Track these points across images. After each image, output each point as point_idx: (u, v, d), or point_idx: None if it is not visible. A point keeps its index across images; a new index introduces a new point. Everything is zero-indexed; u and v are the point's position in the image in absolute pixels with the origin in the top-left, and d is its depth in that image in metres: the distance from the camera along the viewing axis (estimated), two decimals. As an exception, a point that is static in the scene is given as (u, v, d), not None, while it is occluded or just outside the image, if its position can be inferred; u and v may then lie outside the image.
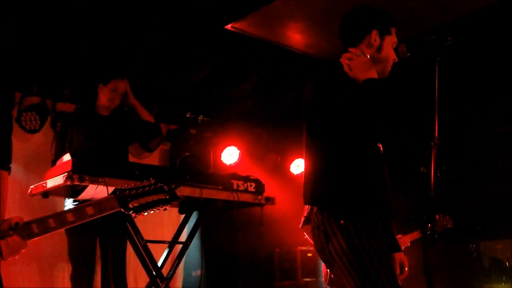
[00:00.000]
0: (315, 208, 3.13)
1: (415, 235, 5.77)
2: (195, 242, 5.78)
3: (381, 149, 3.19)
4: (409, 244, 5.72)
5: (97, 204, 2.51)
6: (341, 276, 2.99)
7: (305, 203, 3.21)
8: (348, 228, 2.96)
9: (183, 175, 4.81)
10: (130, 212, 2.55)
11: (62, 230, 2.49)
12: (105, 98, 5.62)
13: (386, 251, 3.10)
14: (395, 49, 3.22)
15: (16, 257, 2.36)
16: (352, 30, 3.31)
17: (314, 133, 3.16)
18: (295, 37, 6.83)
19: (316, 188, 3.14)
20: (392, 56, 3.24)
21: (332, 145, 3.08)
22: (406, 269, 3.40)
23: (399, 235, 5.69)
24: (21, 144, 6.62)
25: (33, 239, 2.42)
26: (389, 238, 3.32)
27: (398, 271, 3.34)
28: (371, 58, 3.20)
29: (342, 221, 2.98)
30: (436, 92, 3.04)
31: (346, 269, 2.94)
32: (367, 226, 2.99)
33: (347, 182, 3.03)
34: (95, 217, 2.51)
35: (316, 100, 3.15)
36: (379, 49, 3.22)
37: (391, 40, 3.24)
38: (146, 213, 2.59)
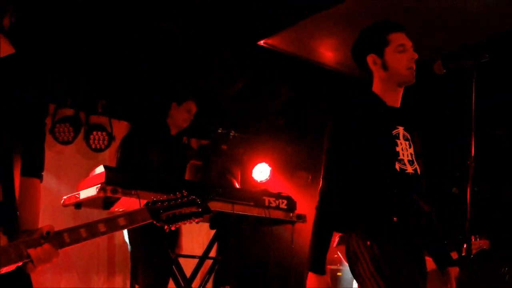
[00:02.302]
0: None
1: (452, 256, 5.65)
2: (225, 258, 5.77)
3: (411, 171, 3.17)
4: None
5: (129, 215, 2.51)
6: None
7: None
8: (373, 249, 2.98)
9: (216, 189, 4.82)
10: (162, 224, 2.55)
11: (93, 240, 2.50)
12: (182, 118, 5.61)
13: (416, 271, 3.05)
14: (409, 68, 3.19)
15: (48, 265, 2.37)
16: (357, 63, 3.38)
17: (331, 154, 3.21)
18: (327, 54, 6.82)
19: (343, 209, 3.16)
20: (401, 62, 3.20)
21: (350, 167, 3.11)
22: None
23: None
24: (54, 155, 6.69)
25: (64, 249, 2.43)
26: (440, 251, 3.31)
27: None
28: (381, 79, 3.25)
29: (368, 242, 3.01)
30: (473, 109, 3.00)
31: None
32: (391, 245, 2.99)
33: (368, 203, 3.06)
34: (126, 228, 2.52)
35: (332, 123, 3.25)
36: (384, 66, 3.23)
37: (392, 48, 3.21)
38: (178, 226, 2.59)
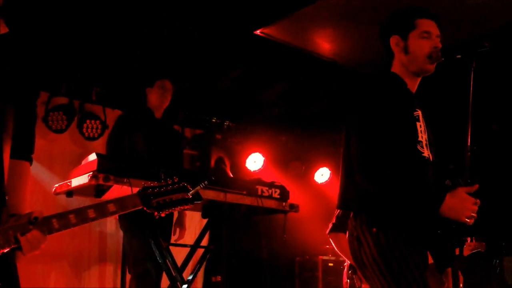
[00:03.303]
0: (351, 213, 3.11)
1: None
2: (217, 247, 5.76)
3: (426, 155, 3.13)
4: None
5: (119, 201, 2.48)
6: (372, 284, 2.97)
7: (338, 207, 3.18)
8: (379, 237, 2.93)
9: (208, 176, 4.79)
10: (152, 211, 2.52)
11: (84, 229, 2.47)
12: (156, 96, 5.63)
13: (420, 262, 3.01)
14: (429, 56, 3.14)
15: (37, 252, 2.33)
16: (381, 42, 3.31)
17: (349, 137, 3.10)
18: (324, 45, 6.78)
19: (350, 193, 3.11)
20: (423, 49, 3.14)
21: (368, 151, 2.99)
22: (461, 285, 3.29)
23: None
24: (47, 143, 6.65)
25: (54, 236, 2.39)
26: (440, 251, 3.28)
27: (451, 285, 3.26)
28: (401, 63, 3.20)
29: (374, 229, 2.95)
30: (471, 98, 2.97)
31: (377, 277, 2.92)
32: (400, 235, 2.94)
33: (383, 184, 2.94)
34: (116, 214, 2.49)
35: (356, 104, 3.12)
36: (406, 50, 3.18)
37: (417, 33, 3.16)
38: (167, 212, 2.56)
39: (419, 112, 3.17)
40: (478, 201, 2.85)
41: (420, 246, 3.06)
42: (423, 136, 3.13)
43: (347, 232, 3.11)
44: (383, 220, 2.96)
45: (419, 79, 3.26)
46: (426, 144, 3.15)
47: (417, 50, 3.15)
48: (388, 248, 2.90)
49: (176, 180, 2.60)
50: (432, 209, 2.85)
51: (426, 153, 3.13)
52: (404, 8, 3.29)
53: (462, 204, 2.82)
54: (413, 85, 3.24)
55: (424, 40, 3.15)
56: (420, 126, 3.14)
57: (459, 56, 3.12)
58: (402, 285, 2.84)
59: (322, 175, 9.10)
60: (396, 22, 3.25)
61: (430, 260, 3.32)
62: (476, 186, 2.86)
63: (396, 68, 3.23)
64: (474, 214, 2.81)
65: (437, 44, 3.15)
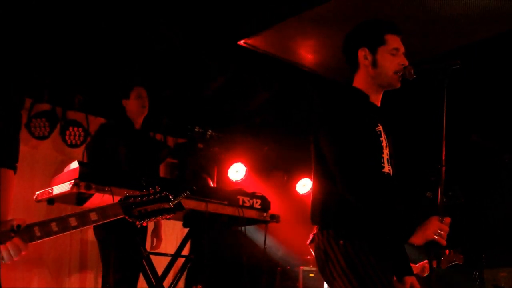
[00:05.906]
0: (317, 228, 3.14)
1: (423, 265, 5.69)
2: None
3: (387, 170, 3.18)
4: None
5: (101, 210, 2.50)
6: None
7: (312, 222, 3.21)
8: (347, 247, 2.97)
9: (189, 186, 4.80)
10: (134, 220, 2.54)
11: (65, 237, 2.49)
12: (135, 107, 5.57)
13: (388, 270, 3.07)
14: (397, 72, 3.17)
15: (16, 259, 2.35)
16: (347, 57, 3.32)
17: (318, 152, 3.15)
18: (307, 56, 6.84)
19: (318, 208, 3.15)
20: (392, 65, 3.17)
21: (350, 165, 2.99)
22: None
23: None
24: (29, 150, 6.64)
25: (35, 243, 2.41)
26: (400, 260, 3.26)
27: None
28: (370, 76, 3.21)
29: (341, 241, 2.98)
30: (444, 114, 3.01)
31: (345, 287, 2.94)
32: (366, 245, 2.97)
33: (347, 203, 2.97)
34: (98, 223, 2.51)
35: (321, 120, 3.16)
36: (374, 64, 3.19)
37: (386, 49, 3.18)
38: (150, 222, 2.58)
39: (380, 127, 3.19)
40: (446, 219, 2.88)
41: (387, 256, 3.11)
42: (384, 152, 3.17)
43: (314, 246, 3.15)
44: (353, 231, 2.99)
45: (382, 92, 3.29)
46: (387, 159, 3.18)
47: (386, 65, 3.17)
48: (356, 256, 2.94)
49: (158, 190, 2.62)
50: (402, 239, 2.92)
51: (387, 168, 3.17)
52: (373, 21, 3.31)
53: (427, 225, 2.84)
54: (377, 98, 3.28)
55: (393, 57, 3.18)
56: (382, 141, 3.16)
57: (428, 66, 3.16)
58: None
59: (304, 185, 9.12)
60: (365, 35, 3.26)
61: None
62: (449, 220, 2.89)
63: (360, 79, 3.25)
64: (441, 232, 2.83)
65: (404, 61, 3.19)
